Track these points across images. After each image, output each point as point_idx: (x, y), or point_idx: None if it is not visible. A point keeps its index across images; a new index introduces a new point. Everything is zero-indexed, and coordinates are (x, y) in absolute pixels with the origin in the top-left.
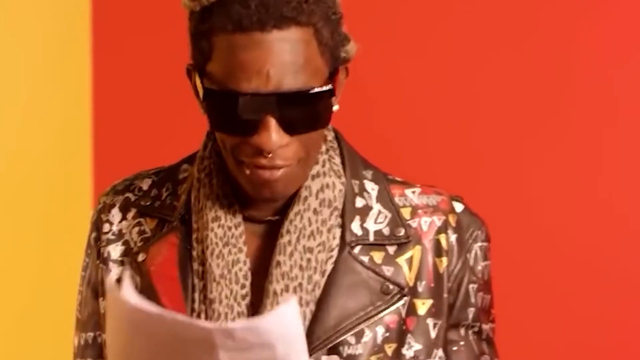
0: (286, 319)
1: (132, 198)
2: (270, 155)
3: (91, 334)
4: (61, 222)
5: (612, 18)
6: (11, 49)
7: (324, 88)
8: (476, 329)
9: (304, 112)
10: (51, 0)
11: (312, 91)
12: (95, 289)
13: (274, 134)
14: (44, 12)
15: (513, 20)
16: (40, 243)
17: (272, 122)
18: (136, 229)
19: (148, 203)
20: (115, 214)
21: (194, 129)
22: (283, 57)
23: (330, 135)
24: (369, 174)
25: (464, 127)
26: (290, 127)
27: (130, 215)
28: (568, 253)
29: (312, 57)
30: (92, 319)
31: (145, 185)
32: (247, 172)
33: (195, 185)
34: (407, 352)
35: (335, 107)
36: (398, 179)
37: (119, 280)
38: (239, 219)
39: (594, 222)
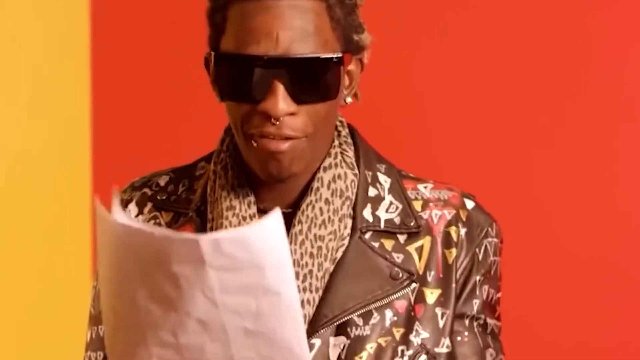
0: (272, 229)
1: (149, 193)
2: (277, 123)
3: (102, 327)
4: (60, 223)
5: (625, 17)
6: (10, 49)
7: (334, 55)
8: (481, 322)
9: (312, 79)
10: (50, 1)
11: (321, 56)
12: None
13: (281, 100)
14: (43, 12)
15: (525, 18)
16: (40, 245)
17: (280, 88)
18: (151, 222)
19: (164, 197)
20: (132, 209)
21: (194, 129)
22: (293, 23)
23: (344, 131)
24: (382, 167)
25: (472, 126)
26: (298, 95)
27: (146, 209)
28: (580, 255)
29: (322, 29)
30: None
31: (162, 181)
32: (255, 144)
33: (211, 177)
34: (415, 339)
35: (349, 100)
36: (411, 175)
37: None
38: (253, 209)
39: (605, 223)
